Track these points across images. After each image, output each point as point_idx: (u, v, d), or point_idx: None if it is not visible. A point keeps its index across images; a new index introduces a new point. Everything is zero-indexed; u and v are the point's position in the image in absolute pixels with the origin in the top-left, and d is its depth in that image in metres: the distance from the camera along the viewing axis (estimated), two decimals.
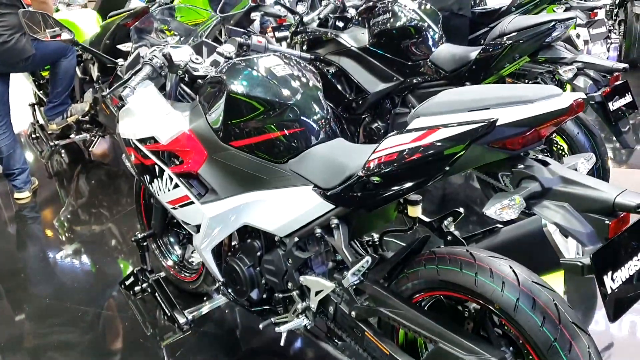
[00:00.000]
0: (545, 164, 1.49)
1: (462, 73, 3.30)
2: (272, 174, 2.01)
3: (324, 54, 3.86)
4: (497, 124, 1.38)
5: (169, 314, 2.66)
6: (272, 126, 1.99)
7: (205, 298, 2.89)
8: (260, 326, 2.19)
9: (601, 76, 2.96)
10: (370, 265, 1.75)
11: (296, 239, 1.99)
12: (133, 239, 2.79)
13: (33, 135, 5.26)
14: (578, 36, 4.45)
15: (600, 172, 2.95)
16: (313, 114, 2.04)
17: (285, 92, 2.01)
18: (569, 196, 1.40)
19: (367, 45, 3.70)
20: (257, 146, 2.01)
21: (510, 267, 1.52)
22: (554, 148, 3.17)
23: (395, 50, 3.60)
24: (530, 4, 3.89)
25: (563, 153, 3.14)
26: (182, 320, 2.61)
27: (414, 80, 3.57)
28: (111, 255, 3.61)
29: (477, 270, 1.55)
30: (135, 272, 2.87)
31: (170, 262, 3.06)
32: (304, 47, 4.00)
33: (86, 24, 4.73)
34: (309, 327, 2.06)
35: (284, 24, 5.21)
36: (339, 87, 3.85)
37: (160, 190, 2.32)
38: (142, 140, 2.29)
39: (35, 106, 5.17)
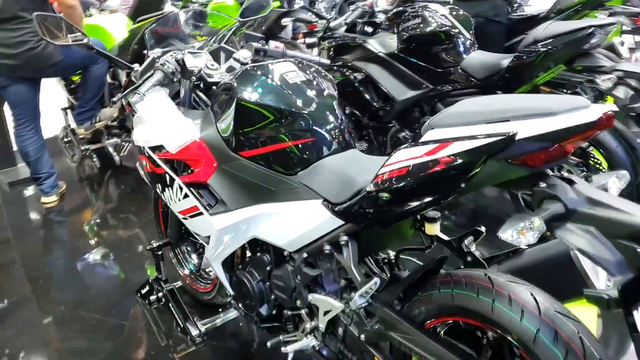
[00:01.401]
0: (570, 182, 1.35)
1: (494, 81, 3.15)
2: (282, 186, 1.92)
3: (351, 60, 3.76)
4: (517, 138, 1.25)
5: (181, 325, 2.59)
6: (282, 136, 1.90)
7: (220, 310, 2.81)
8: (268, 344, 2.09)
9: None
10: (380, 287, 1.63)
11: (305, 254, 1.89)
12: (148, 248, 2.73)
13: (65, 139, 5.30)
14: (622, 44, 4.23)
15: (639, 195, 2.75)
16: (326, 124, 1.94)
17: (297, 101, 1.91)
18: (596, 219, 1.26)
19: (396, 51, 3.58)
20: (266, 156, 1.92)
21: (532, 294, 1.38)
22: (591, 162, 2.99)
23: (424, 56, 3.47)
24: (571, 10, 3.72)
25: (601, 167, 2.95)
26: (194, 332, 2.54)
27: (444, 88, 3.44)
28: (133, 262, 3.56)
29: (495, 296, 1.42)
30: (150, 281, 2.81)
31: (186, 271, 2.99)
32: (331, 53, 3.90)
33: (116, 28, 4.74)
34: (317, 348, 1.95)
35: (315, 29, 5.13)
36: (366, 94, 3.74)
37: (171, 199, 2.25)
38: (153, 148, 2.23)
39: (67, 110, 5.20)
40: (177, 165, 2.19)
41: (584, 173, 2.81)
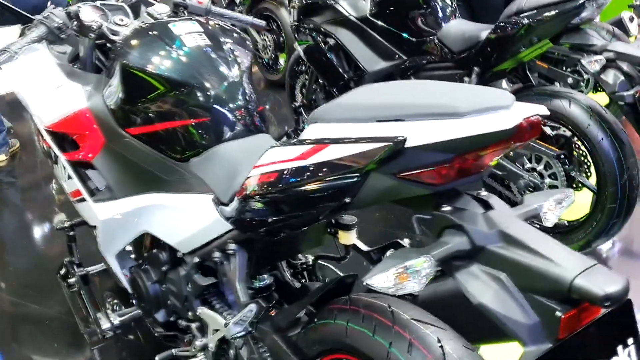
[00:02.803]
0: (486, 206, 1.00)
1: (472, 55, 2.76)
2: (173, 174, 1.60)
3: (320, 22, 3.36)
4: (407, 145, 0.90)
5: (92, 316, 2.29)
6: (173, 113, 1.57)
7: None
8: (157, 358, 1.78)
9: (637, 71, 2.36)
10: (258, 314, 1.31)
11: (196, 259, 1.57)
12: (57, 227, 2.41)
13: None
14: (632, 19, 3.79)
15: (625, 192, 2.38)
16: (229, 101, 1.60)
17: (194, 70, 1.57)
18: (509, 264, 0.92)
19: (368, 15, 3.17)
20: (155, 136, 1.60)
21: (438, 340, 1.05)
22: (575, 153, 2.62)
23: (398, 22, 3.08)
24: None
25: (586, 160, 2.58)
26: (105, 325, 2.23)
27: (418, 61, 3.05)
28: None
29: (393, 338, 1.09)
30: (65, 262, 2.51)
31: None
32: (301, 14, 3.50)
33: None
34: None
35: None
36: (336, 63, 3.35)
37: (61, 178, 1.93)
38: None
39: None
40: (64, 139, 1.85)
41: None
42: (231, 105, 1.60)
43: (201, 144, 1.57)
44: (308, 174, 1.02)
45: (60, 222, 2.44)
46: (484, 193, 1.03)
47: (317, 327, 1.31)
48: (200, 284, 1.58)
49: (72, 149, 1.82)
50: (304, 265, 1.76)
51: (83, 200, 1.80)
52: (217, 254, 1.50)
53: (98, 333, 2.29)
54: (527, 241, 0.91)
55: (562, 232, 2.70)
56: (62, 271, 2.55)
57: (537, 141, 2.60)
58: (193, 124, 1.57)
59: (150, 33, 1.63)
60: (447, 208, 0.99)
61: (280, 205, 1.13)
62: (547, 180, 2.62)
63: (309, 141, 1.04)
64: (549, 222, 1.07)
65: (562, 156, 2.56)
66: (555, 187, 2.60)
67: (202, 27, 1.68)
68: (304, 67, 3.79)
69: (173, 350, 1.79)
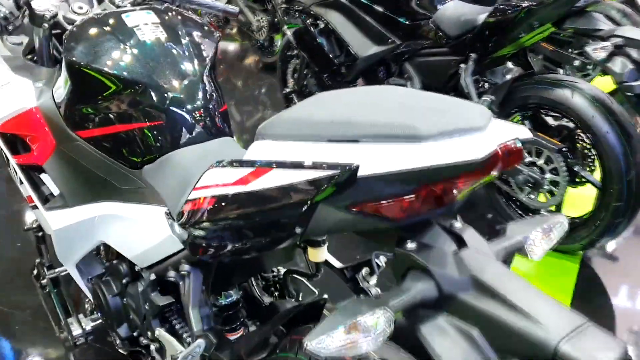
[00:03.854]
0: (459, 241, 0.84)
1: (468, 40, 2.57)
2: (126, 183, 1.45)
3: (309, 4, 3.17)
4: (360, 174, 0.74)
5: (62, 322, 2.15)
6: (123, 114, 1.41)
7: None
8: None
9: None
10: (208, 349, 1.16)
11: (153, 276, 1.42)
12: (26, 228, 2.27)
13: None
14: None
15: (631, 189, 2.20)
16: (187, 102, 1.44)
17: (147, 67, 1.41)
18: (483, 319, 0.76)
19: None
20: (105, 140, 1.45)
21: None
22: (579, 145, 2.44)
23: (392, 4, 2.90)
24: None
25: (590, 154, 2.40)
26: (76, 331, 2.09)
27: (413, 46, 2.86)
28: None
29: None
30: (36, 264, 2.37)
31: None
32: None
33: None
34: None
35: None
36: (326, 48, 3.17)
37: (16, 182, 1.77)
38: None
39: None
40: (16, 140, 1.70)
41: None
42: (189, 107, 1.43)
43: (155, 149, 1.41)
44: (248, 202, 0.86)
45: (30, 222, 2.30)
46: (457, 225, 0.87)
47: (278, 358, 1.17)
48: (157, 303, 1.43)
49: (25, 151, 1.66)
50: (276, 278, 1.61)
51: (35, 207, 1.65)
52: (172, 274, 1.36)
53: (69, 339, 2.16)
54: (504, 291, 0.74)
55: None
56: (35, 272, 2.42)
57: (539, 133, 2.43)
58: (146, 127, 1.41)
59: (99, 25, 1.46)
60: (411, 245, 0.83)
61: (222, 234, 0.98)
62: (548, 176, 2.44)
63: (250, 162, 0.88)
64: (536, 256, 0.91)
65: (565, 150, 2.39)
66: (557, 182, 2.43)
67: (159, 18, 1.51)
68: (295, 52, 3.61)
69: None
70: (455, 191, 0.80)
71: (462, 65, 2.59)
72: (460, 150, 0.71)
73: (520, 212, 2.66)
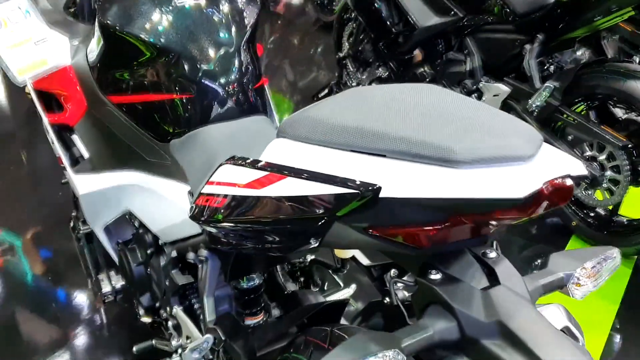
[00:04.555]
0: (491, 275, 0.74)
1: (536, 20, 2.37)
2: (153, 155, 1.40)
3: None
4: (382, 195, 0.65)
5: (93, 277, 2.16)
6: (154, 83, 1.34)
7: None
8: (135, 348, 1.63)
9: None
10: (216, 344, 1.11)
11: (174, 253, 1.38)
12: (63, 181, 2.27)
13: None
14: None
15: None
16: (221, 75, 1.35)
17: (182, 34, 1.33)
18: None
19: None
20: (135, 108, 1.40)
21: None
22: None
23: None
24: None
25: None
26: (105, 288, 2.10)
27: (476, 20, 2.67)
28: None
29: None
30: (72, 216, 2.38)
31: None
32: None
33: None
34: None
35: None
36: (385, 14, 3.00)
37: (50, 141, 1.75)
38: None
39: None
40: (51, 98, 1.66)
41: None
42: (222, 80, 1.35)
43: (184, 123, 1.34)
44: (259, 208, 0.78)
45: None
46: (491, 254, 0.77)
47: (291, 359, 1.11)
48: (176, 281, 1.39)
49: (58, 110, 1.63)
50: (302, 265, 1.54)
51: (64, 169, 1.62)
52: (191, 255, 1.31)
53: (99, 295, 2.17)
54: (533, 344, 0.65)
55: (619, 231, 2.37)
56: (71, 224, 2.43)
57: (602, 127, 2.24)
58: (176, 99, 1.33)
59: None
60: (435, 276, 0.74)
61: (233, 235, 0.91)
62: (608, 173, 2.27)
63: (266, 165, 0.79)
64: (578, 296, 0.80)
65: (630, 147, 2.20)
66: (617, 181, 2.25)
67: None
68: (352, 15, 3.45)
69: (153, 342, 1.63)
70: (490, 225, 0.70)
71: (527, 46, 2.40)
72: (499, 183, 0.61)
73: (573, 207, 2.49)
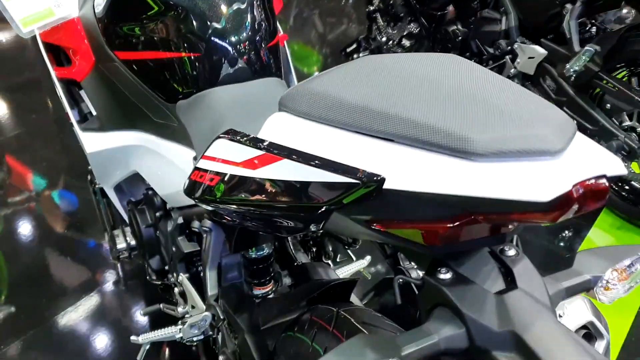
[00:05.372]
0: (507, 276, 0.66)
1: None
2: (159, 115, 1.33)
3: None
4: (387, 186, 0.57)
5: (109, 232, 2.14)
6: (162, 40, 1.26)
7: None
8: (141, 311, 1.60)
9: None
10: (215, 322, 1.06)
11: (181, 219, 1.33)
12: None
13: None
14: None
15: None
16: (231, 33, 1.26)
17: None
18: None
19: None
20: (142, 66, 1.32)
21: None
22: None
23: None
24: None
25: None
26: (120, 245, 2.08)
27: None
28: None
29: None
30: (89, 169, 2.34)
31: None
32: None
33: None
34: (186, 342, 1.43)
35: None
36: None
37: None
38: None
39: None
40: (60, 51, 1.59)
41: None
42: (233, 39, 1.26)
43: (192, 83, 1.26)
44: (254, 189, 0.70)
45: None
46: (510, 252, 0.68)
47: (294, 338, 1.06)
48: (182, 249, 1.34)
49: (67, 64, 1.56)
50: (314, 235, 1.48)
51: (72, 125, 1.57)
52: (196, 224, 1.25)
53: (114, 251, 2.15)
54: (548, 348, 0.57)
55: None
56: (88, 177, 2.40)
57: None
58: (185, 57, 1.25)
59: None
60: (445, 275, 0.66)
61: (229, 214, 0.84)
62: None
63: (263, 143, 0.71)
64: (607, 300, 0.72)
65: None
66: None
67: None
68: None
69: (160, 306, 1.60)
70: (510, 225, 0.62)
71: (568, 5, 2.24)
72: (521, 182, 0.52)
73: None
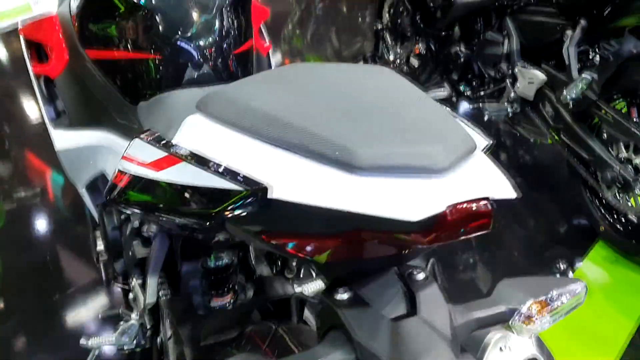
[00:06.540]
0: (411, 300, 0.63)
1: (581, 3, 2.15)
2: (122, 116, 1.33)
3: None
4: (275, 196, 0.54)
5: (91, 234, 2.13)
6: (127, 40, 1.25)
7: None
8: (100, 315, 1.57)
9: None
10: (142, 333, 1.03)
11: (137, 224, 1.31)
12: None
13: None
14: None
15: None
16: (197, 37, 1.25)
17: None
18: None
19: None
20: (109, 65, 1.33)
21: None
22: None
23: None
24: None
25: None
26: (100, 247, 2.06)
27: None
28: None
29: None
30: None
31: None
32: None
33: None
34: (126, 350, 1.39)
35: None
36: None
37: None
38: None
39: None
40: (38, 48, 1.59)
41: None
42: (200, 43, 1.24)
43: (154, 86, 1.25)
44: (157, 191, 0.68)
45: None
46: (419, 276, 0.64)
47: (230, 354, 1.02)
48: (135, 254, 1.32)
49: (41, 60, 1.56)
50: None
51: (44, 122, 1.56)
52: (145, 228, 1.23)
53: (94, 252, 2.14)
54: None
55: None
56: None
57: None
58: (149, 59, 1.24)
59: None
60: (343, 295, 0.62)
61: (147, 218, 0.81)
62: None
63: (169, 145, 0.69)
64: (526, 334, 0.67)
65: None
66: None
67: None
68: None
69: (119, 310, 1.58)
70: (411, 247, 0.58)
71: (568, 32, 2.19)
72: (394, 199, 0.48)
73: (603, 211, 2.30)
